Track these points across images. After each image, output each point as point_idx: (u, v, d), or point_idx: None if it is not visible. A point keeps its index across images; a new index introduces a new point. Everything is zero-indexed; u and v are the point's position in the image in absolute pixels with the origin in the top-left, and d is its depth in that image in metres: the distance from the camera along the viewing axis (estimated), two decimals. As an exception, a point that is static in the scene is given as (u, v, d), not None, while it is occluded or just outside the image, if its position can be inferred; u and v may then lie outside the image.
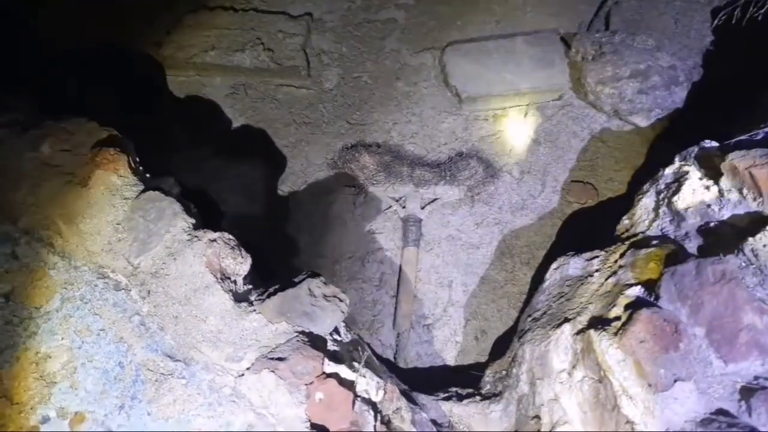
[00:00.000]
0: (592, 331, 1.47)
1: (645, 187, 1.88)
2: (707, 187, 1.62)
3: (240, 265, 1.50)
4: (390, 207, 2.64)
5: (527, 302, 2.18)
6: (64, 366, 1.34)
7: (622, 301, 1.50)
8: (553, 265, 1.95)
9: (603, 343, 1.42)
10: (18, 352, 1.35)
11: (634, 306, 1.44)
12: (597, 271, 1.74)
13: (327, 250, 2.58)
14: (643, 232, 1.75)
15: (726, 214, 1.57)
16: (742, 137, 1.71)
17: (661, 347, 1.32)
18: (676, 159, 1.80)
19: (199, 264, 1.44)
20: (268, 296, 1.45)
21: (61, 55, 2.83)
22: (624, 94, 2.68)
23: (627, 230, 1.85)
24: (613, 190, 2.65)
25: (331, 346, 1.46)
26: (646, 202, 1.83)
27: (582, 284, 1.75)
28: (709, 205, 1.60)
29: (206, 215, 1.65)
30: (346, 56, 3.06)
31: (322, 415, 1.31)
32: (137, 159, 1.67)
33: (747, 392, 1.29)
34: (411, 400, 1.73)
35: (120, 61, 2.92)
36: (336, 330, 1.54)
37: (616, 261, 1.70)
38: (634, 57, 2.71)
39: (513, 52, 2.87)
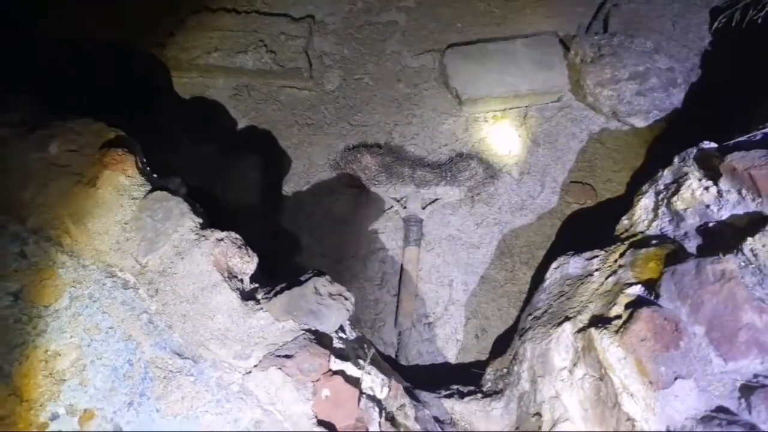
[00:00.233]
0: (593, 330, 1.49)
1: (644, 187, 1.90)
2: (706, 188, 1.64)
3: (247, 264, 1.52)
4: (391, 207, 2.66)
5: (527, 301, 2.20)
6: (74, 363, 1.36)
7: (623, 299, 1.52)
8: (554, 265, 1.97)
9: (604, 341, 1.44)
10: (27, 350, 1.36)
11: (635, 305, 1.46)
12: (597, 270, 1.76)
13: (329, 249, 2.60)
14: (642, 232, 1.77)
15: (725, 215, 1.59)
16: (741, 138, 1.73)
17: (662, 345, 1.34)
18: (675, 160, 1.82)
19: (207, 263, 1.46)
20: (275, 295, 1.47)
21: (63, 55, 2.84)
22: (622, 95, 2.70)
23: (626, 230, 1.87)
24: (612, 191, 2.67)
25: (336, 344, 1.48)
26: (646, 203, 1.85)
27: (582, 283, 1.77)
28: (708, 206, 1.62)
29: (211, 215, 1.67)
30: (347, 58, 3.08)
31: (329, 412, 1.33)
32: (144, 159, 1.68)
33: (747, 390, 1.31)
34: (414, 398, 1.74)
35: (122, 62, 2.93)
36: (341, 328, 1.56)
37: (616, 260, 1.72)
38: (632, 59, 2.74)
39: (513, 55, 2.89)
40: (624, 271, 1.63)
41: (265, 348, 1.40)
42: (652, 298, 1.49)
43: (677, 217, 1.68)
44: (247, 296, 1.48)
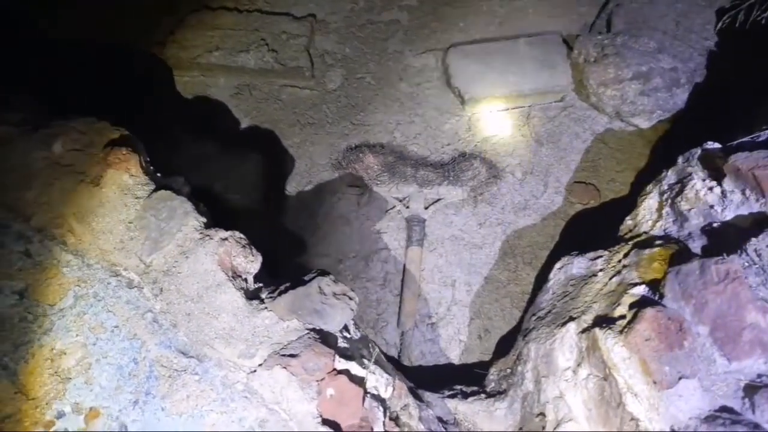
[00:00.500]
0: (597, 330, 1.49)
1: (648, 188, 1.90)
2: (710, 188, 1.64)
3: (251, 263, 1.52)
4: (394, 207, 2.66)
5: (530, 301, 2.20)
6: (79, 362, 1.36)
7: (627, 300, 1.52)
8: (557, 265, 1.97)
9: (608, 341, 1.44)
10: (33, 349, 1.36)
11: (639, 305, 1.46)
12: (601, 270, 1.76)
13: (331, 249, 2.60)
14: (646, 233, 1.77)
15: (729, 215, 1.59)
16: (745, 139, 1.73)
17: (666, 345, 1.34)
18: (679, 160, 1.82)
19: (211, 262, 1.46)
20: (279, 294, 1.47)
21: (62, 55, 2.84)
22: (626, 95, 2.70)
23: (630, 230, 1.87)
24: (615, 191, 2.67)
25: (341, 343, 1.49)
26: (650, 203, 1.85)
27: (586, 283, 1.77)
28: (712, 206, 1.62)
29: (213, 214, 1.67)
30: (349, 57, 3.09)
31: (334, 411, 1.33)
32: (148, 158, 1.68)
33: (750, 390, 1.31)
34: (417, 398, 1.74)
35: (122, 62, 2.93)
36: (346, 327, 1.56)
37: (620, 261, 1.72)
38: (636, 59, 2.74)
39: (515, 54, 2.89)
40: (628, 271, 1.63)
41: (270, 347, 1.40)
42: (657, 298, 1.49)
43: (681, 218, 1.68)
44: (251, 295, 1.49)
